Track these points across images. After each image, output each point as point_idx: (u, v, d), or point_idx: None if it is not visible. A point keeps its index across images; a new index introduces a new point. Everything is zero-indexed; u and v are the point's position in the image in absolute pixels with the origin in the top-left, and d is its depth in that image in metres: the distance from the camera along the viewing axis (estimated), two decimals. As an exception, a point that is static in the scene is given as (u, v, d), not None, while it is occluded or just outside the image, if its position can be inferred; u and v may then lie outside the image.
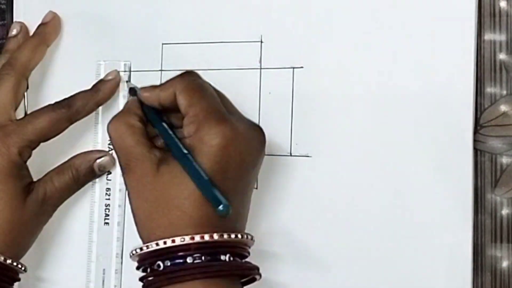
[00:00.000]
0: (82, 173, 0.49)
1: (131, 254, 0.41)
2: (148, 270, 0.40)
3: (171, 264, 0.38)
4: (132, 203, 0.41)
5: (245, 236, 0.40)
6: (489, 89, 0.44)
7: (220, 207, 0.37)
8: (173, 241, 0.38)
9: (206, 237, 0.38)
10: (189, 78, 0.42)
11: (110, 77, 0.50)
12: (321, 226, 0.46)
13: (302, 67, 0.47)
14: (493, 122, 0.44)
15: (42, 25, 0.52)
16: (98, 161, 0.49)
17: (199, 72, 0.49)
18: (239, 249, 0.40)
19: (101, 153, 0.50)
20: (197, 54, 0.50)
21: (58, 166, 0.49)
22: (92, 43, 0.52)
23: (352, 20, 0.46)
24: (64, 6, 0.53)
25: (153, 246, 0.39)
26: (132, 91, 0.45)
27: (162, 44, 0.51)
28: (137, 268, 0.41)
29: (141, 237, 0.41)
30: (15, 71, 0.48)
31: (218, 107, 0.40)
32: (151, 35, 0.51)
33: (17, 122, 0.48)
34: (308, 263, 0.46)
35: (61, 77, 0.53)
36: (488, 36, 0.44)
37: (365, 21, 0.46)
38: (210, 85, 0.42)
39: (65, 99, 0.48)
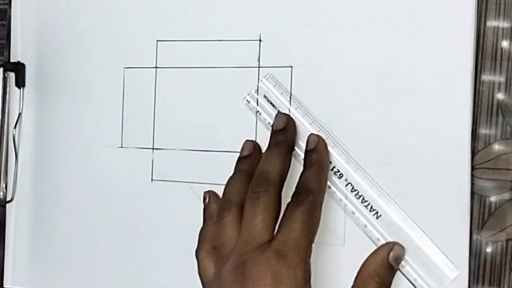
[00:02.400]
0: (385, 276, 0.43)
1: None
2: None
3: None
4: None
5: None
6: (483, 131, 0.44)
7: None
8: None
9: None
10: None
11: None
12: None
13: (300, 66, 0.47)
14: (485, 165, 0.44)
15: (280, 131, 0.46)
16: (391, 254, 0.43)
17: (195, 70, 0.49)
18: None
19: (388, 245, 0.44)
20: (193, 52, 0.50)
21: (355, 283, 0.43)
22: (87, 40, 0.52)
23: (350, 18, 0.46)
24: (59, 4, 0.52)
25: None
26: None
27: (157, 41, 0.51)
28: None
29: None
30: (273, 186, 0.42)
31: None
32: (145, 32, 0.51)
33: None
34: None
35: (57, 75, 0.53)
36: (486, 77, 0.44)
37: (364, 20, 0.46)
38: None
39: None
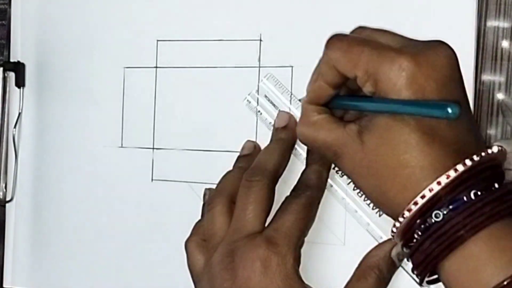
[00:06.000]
0: (385, 270, 0.42)
1: (392, 234, 0.35)
2: (419, 239, 0.33)
3: (448, 212, 0.32)
4: (360, 186, 0.37)
5: (499, 147, 0.33)
6: (483, 131, 0.45)
7: (449, 109, 0.31)
8: (423, 196, 0.33)
9: (460, 168, 0.32)
10: (329, 47, 0.38)
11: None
12: (319, 224, 0.47)
13: (301, 66, 0.47)
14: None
15: (281, 129, 0.46)
16: (394, 250, 0.43)
17: (195, 70, 0.49)
18: (500, 169, 0.34)
19: (393, 241, 0.42)
20: (193, 52, 0.50)
21: (354, 274, 0.43)
22: (87, 40, 0.52)
23: (350, 18, 0.46)
24: (59, 4, 0.52)
25: (410, 210, 0.33)
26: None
27: (157, 40, 0.51)
28: (403, 246, 0.35)
29: (389, 214, 0.36)
30: (267, 178, 0.42)
31: (380, 48, 0.35)
32: (145, 32, 0.51)
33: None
34: (308, 255, 0.47)
35: (57, 75, 0.53)
36: (486, 77, 0.45)
37: (364, 19, 0.46)
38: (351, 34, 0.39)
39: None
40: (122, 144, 0.51)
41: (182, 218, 0.49)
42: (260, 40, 0.48)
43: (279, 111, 0.47)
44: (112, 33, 0.52)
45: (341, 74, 0.37)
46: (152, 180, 0.51)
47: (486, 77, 0.45)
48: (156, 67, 0.51)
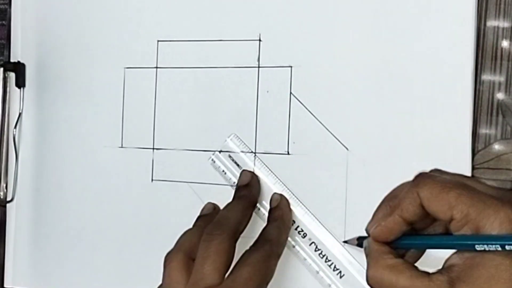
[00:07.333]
0: None
1: None
2: None
3: None
4: None
5: None
6: (483, 131, 0.45)
7: None
8: None
9: None
10: (419, 186, 0.35)
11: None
12: (318, 224, 0.47)
13: (300, 66, 0.47)
14: (486, 165, 0.44)
15: (243, 187, 0.47)
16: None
17: (195, 70, 0.49)
18: None
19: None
20: (193, 52, 0.50)
21: None
22: (87, 40, 0.52)
23: (350, 18, 0.46)
24: (59, 4, 0.53)
25: None
26: (360, 240, 0.40)
27: (158, 41, 0.51)
28: None
29: None
30: (228, 233, 0.42)
31: (479, 194, 0.34)
32: (146, 32, 0.51)
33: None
34: (307, 256, 0.47)
35: (57, 75, 0.53)
36: (486, 77, 0.44)
37: (364, 19, 0.46)
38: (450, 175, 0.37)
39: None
40: (122, 144, 0.51)
41: (182, 218, 0.49)
42: (260, 40, 0.48)
43: (242, 170, 0.48)
44: (112, 33, 0.52)
45: (426, 213, 0.35)
46: (152, 180, 0.51)
47: (486, 77, 0.45)
48: (156, 67, 0.51)
